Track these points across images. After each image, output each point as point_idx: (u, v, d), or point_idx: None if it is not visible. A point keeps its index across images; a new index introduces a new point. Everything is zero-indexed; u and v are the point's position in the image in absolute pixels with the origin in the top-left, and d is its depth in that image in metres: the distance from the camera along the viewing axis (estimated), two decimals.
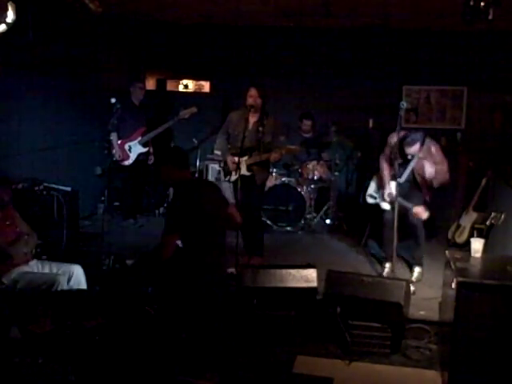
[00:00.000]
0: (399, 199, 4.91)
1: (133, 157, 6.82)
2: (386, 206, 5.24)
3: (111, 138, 6.74)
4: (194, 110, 6.74)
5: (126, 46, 8.05)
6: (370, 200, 5.61)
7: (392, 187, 5.08)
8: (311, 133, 7.46)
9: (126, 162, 6.82)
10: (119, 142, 6.75)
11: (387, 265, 5.36)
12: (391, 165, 5.16)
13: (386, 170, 5.29)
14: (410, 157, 5.02)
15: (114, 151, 6.73)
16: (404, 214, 5.06)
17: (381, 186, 5.37)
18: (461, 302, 3.36)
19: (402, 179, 5.01)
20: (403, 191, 5.03)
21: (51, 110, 6.46)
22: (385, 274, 5.31)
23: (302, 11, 6.60)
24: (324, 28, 7.55)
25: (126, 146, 6.80)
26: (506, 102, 7.03)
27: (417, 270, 5.37)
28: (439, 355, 3.89)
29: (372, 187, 5.68)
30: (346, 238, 6.73)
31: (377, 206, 5.47)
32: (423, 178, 5.13)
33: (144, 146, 6.86)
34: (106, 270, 4.99)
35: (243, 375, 3.66)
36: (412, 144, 4.98)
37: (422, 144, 5.04)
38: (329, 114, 7.66)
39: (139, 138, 6.81)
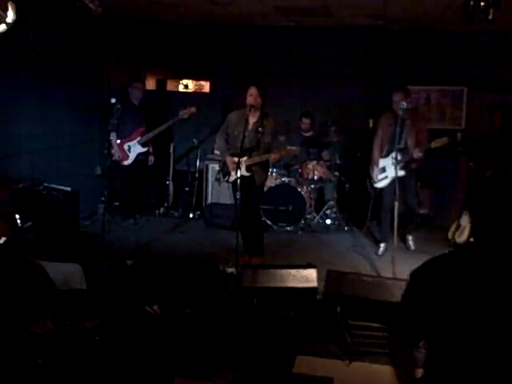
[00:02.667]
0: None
1: (132, 157, 6.82)
2: (400, 172, 5.54)
3: (111, 138, 6.74)
4: (193, 109, 6.73)
5: (126, 46, 8.05)
6: (382, 183, 5.85)
7: (381, 164, 5.84)
8: (311, 131, 7.45)
9: (125, 162, 6.81)
10: (118, 142, 6.75)
11: (382, 244, 6.04)
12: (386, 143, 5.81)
13: (375, 152, 5.92)
14: (400, 108, 5.39)
15: (113, 151, 6.73)
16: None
17: (371, 167, 5.99)
18: None
19: (402, 144, 5.64)
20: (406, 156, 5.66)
21: (51, 110, 6.46)
22: (379, 252, 6.01)
23: (302, 11, 6.60)
24: (324, 28, 7.56)
25: (126, 146, 6.80)
26: (506, 102, 7.03)
27: (410, 238, 6.20)
28: None
29: (376, 173, 5.97)
30: (346, 238, 6.74)
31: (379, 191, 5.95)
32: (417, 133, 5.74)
33: (143, 146, 6.85)
34: (106, 270, 4.99)
35: (243, 375, 3.66)
36: (397, 90, 5.67)
37: (407, 95, 5.69)
38: (329, 113, 7.67)
39: (138, 138, 6.81)
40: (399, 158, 5.60)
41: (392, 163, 5.57)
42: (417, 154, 5.61)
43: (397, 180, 5.28)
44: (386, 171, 5.83)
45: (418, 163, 5.80)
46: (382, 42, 7.57)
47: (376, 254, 6.04)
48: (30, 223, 3.88)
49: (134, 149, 6.81)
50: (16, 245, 3.67)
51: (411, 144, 5.72)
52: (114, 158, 6.71)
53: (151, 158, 7.08)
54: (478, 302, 1.77)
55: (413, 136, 5.74)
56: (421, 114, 6.18)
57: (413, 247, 6.13)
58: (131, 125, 6.78)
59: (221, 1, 6.14)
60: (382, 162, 5.87)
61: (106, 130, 6.88)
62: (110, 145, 6.77)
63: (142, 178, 7.20)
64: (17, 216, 3.73)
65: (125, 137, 6.77)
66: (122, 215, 7.10)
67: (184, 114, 6.72)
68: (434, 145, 5.52)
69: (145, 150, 6.89)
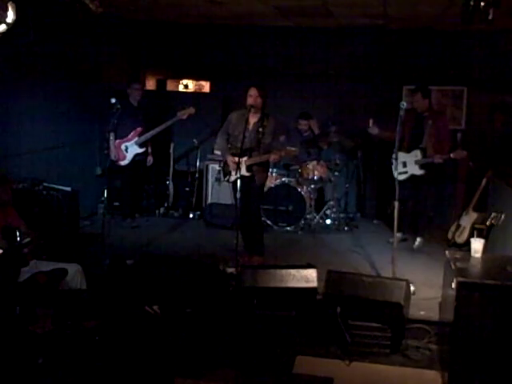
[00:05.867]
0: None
1: (129, 157, 6.79)
2: (419, 172, 5.97)
3: (110, 138, 6.73)
4: (191, 110, 6.68)
5: (126, 46, 8.04)
6: (402, 177, 5.83)
7: (403, 158, 5.92)
8: (309, 131, 7.44)
9: (122, 163, 6.78)
10: (116, 142, 6.73)
11: (418, 239, 6.27)
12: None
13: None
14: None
15: (110, 151, 6.72)
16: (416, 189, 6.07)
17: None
18: (461, 302, 3.36)
19: (423, 144, 5.95)
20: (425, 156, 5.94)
21: (51, 110, 6.46)
22: (415, 247, 6.23)
23: (302, 11, 6.60)
24: (324, 28, 7.55)
25: (123, 147, 6.77)
26: (506, 102, 7.03)
27: (418, 239, 6.27)
28: (439, 355, 3.89)
29: (398, 165, 6.02)
30: (346, 238, 6.74)
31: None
32: (437, 134, 5.94)
33: (140, 146, 6.82)
34: (106, 270, 4.99)
35: (243, 375, 3.66)
36: (415, 91, 6.04)
37: (425, 95, 5.98)
38: (329, 113, 7.67)
39: (136, 139, 6.78)
40: (419, 157, 5.94)
41: (413, 161, 5.93)
42: (437, 159, 5.84)
43: (397, 180, 5.26)
44: (407, 167, 6.03)
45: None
46: (382, 41, 7.56)
47: (412, 248, 6.22)
48: (28, 239, 3.89)
49: (131, 149, 6.79)
50: (11, 259, 3.69)
51: (429, 146, 5.93)
52: (110, 158, 6.71)
53: (150, 159, 7.06)
54: None
55: (432, 138, 5.94)
56: (443, 116, 6.40)
57: (416, 248, 6.22)
58: (129, 125, 6.76)
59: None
60: (404, 157, 5.97)
61: (106, 130, 6.88)
62: (108, 145, 6.77)
63: (141, 178, 7.19)
64: (17, 233, 3.75)
65: (123, 137, 6.76)
66: (121, 215, 7.10)
67: (182, 114, 6.68)
68: (453, 155, 5.80)
69: (142, 150, 6.85)
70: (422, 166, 5.94)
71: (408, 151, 6.02)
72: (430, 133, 5.97)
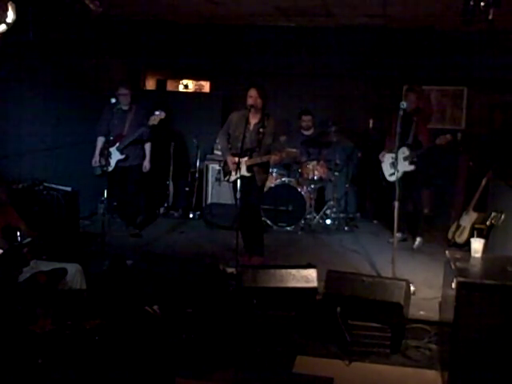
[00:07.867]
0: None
1: (112, 163, 6.54)
2: (410, 167, 5.94)
3: (98, 142, 6.62)
4: (162, 115, 6.44)
5: (126, 46, 8.04)
6: (393, 178, 5.76)
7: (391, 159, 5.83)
8: (312, 129, 7.44)
9: (107, 169, 6.61)
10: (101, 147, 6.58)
11: (418, 238, 6.28)
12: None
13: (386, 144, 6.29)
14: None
15: (93, 157, 6.61)
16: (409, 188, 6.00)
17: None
18: (461, 302, 3.35)
19: (409, 141, 5.97)
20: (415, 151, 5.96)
21: (51, 110, 6.46)
22: (414, 246, 6.25)
23: (302, 11, 6.60)
24: (324, 28, 7.55)
25: (107, 152, 6.62)
26: (506, 102, 7.03)
27: (418, 239, 6.28)
28: (439, 355, 3.89)
29: (386, 166, 6.21)
30: (346, 238, 6.74)
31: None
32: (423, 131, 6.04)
33: (121, 152, 6.59)
34: (106, 270, 5.00)
35: (243, 375, 3.66)
36: (411, 91, 6.09)
37: (419, 97, 6.09)
38: (329, 113, 7.67)
39: (117, 145, 6.58)
40: (407, 153, 5.92)
41: (402, 158, 5.86)
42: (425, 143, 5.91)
43: (397, 181, 5.25)
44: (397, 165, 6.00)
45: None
46: (382, 41, 7.57)
47: (412, 248, 6.24)
48: (28, 239, 3.90)
49: (114, 155, 6.55)
50: (11, 259, 3.69)
51: (422, 138, 6.00)
52: (94, 165, 6.60)
53: (146, 164, 6.76)
54: None
55: (422, 132, 6.04)
56: (424, 112, 6.42)
57: (416, 248, 6.22)
58: (116, 130, 6.53)
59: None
60: (393, 158, 5.84)
61: (106, 131, 6.82)
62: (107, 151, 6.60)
63: (132, 185, 6.82)
64: (18, 233, 3.76)
65: (110, 142, 6.47)
66: (119, 216, 7.04)
67: (153, 120, 6.43)
68: (438, 141, 5.72)
69: (123, 157, 6.60)
70: (411, 162, 5.94)
71: (396, 150, 5.92)
72: (418, 129, 6.03)
